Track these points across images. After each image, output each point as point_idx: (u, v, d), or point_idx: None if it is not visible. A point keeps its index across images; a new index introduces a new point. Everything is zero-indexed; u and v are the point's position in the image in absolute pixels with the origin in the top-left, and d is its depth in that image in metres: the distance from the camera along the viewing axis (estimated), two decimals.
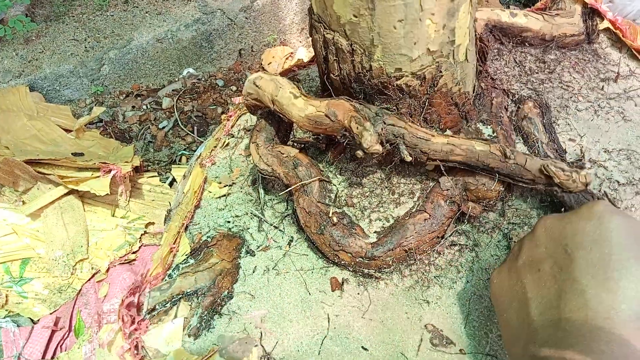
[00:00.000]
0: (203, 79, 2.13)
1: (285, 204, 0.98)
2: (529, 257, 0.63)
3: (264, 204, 0.98)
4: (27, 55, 1.90)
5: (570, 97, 1.07)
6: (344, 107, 0.84)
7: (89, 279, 1.32)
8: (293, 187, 0.89)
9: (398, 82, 0.86)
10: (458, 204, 0.85)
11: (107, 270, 1.33)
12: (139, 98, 2.03)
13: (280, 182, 0.93)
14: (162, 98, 2.03)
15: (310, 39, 0.96)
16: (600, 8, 1.18)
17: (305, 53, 2.23)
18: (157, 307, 0.82)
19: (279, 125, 1.01)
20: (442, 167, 0.85)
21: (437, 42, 0.82)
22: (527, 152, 0.95)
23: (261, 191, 0.99)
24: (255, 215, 0.97)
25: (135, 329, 0.78)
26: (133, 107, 1.99)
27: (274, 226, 0.94)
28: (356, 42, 0.83)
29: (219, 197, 1.03)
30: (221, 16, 2.10)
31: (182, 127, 1.93)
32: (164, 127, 1.93)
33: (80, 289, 1.30)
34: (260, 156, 0.94)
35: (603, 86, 1.10)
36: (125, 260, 1.36)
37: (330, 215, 0.84)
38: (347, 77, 0.90)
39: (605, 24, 1.20)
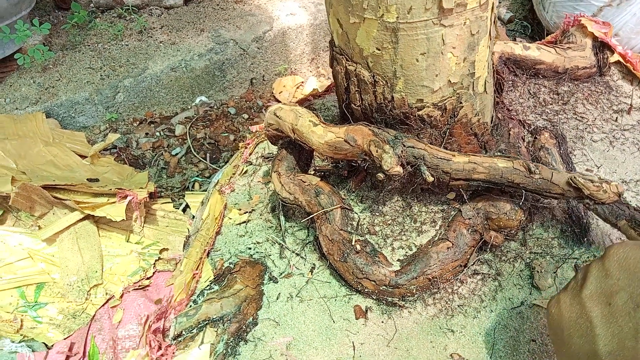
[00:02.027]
0: (215, 107, 2.16)
1: (306, 231, 0.98)
2: (598, 288, 0.57)
3: (285, 231, 0.99)
4: (44, 83, 1.93)
5: (585, 128, 1.09)
6: (363, 132, 0.85)
7: (103, 305, 1.32)
8: (315, 214, 0.90)
9: (419, 112, 0.88)
10: (480, 233, 0.86)
11: (121, 296, 1.33)
12: (152, 125, 2.06)
13: (301, 210, 0.94)
14: (175, 125, 2.06)
15: (331, 70, 0.98)
16: (611, 42, 1.22)
17: (315, 82, 2.26)
18: (183, 332, 0.82)
19: (300, 154, 1.03)
20: (464, 195, 0.86)
21: (458, 74, 0.84)
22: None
23: (282, 218, 1.00)
24: (276, 242, 0.98)
25: (162, 355, 0.78)
26: (146, 134, 2.02)
27: (295, 253, 0.95)
28: (378, 73, 0.86)
29: (239, 224, 1.04)
30: (234, 46, 2.15)
31: (194, 154, 1.95)
32: (176, 154, 1.95)
33: (94, 315, 1.30)
34: (282, 185, 0.95)
35: (617, 117, 1.12)
36: (139, 286, 1.35)
37: (353, 242, 0.85)
38: (369, 108, 0.92)
39: (615, 57, 1.23)
